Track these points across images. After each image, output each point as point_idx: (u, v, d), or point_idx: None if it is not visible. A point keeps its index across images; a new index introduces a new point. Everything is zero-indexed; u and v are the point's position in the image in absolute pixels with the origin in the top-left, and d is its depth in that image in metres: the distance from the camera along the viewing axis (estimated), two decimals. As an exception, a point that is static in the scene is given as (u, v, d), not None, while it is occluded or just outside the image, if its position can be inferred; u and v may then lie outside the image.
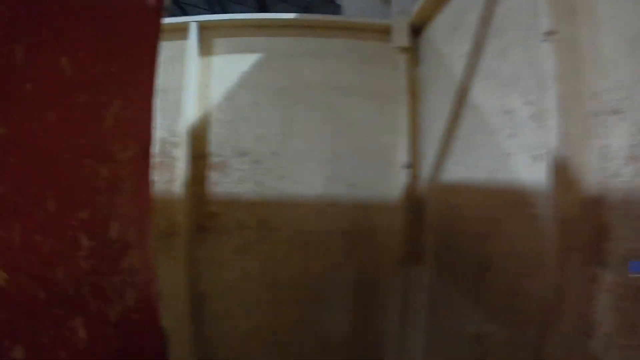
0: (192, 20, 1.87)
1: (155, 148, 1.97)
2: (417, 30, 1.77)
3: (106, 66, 0.68)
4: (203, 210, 1.85)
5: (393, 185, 1.72)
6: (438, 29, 1.62)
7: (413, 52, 1.78)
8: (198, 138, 1.85)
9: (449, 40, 1.50)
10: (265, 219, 1.77)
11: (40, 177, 0.56)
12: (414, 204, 1.69)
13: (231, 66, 1.85)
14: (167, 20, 1.94)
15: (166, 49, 2.04)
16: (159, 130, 1.95)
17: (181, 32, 1.91)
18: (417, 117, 1.72)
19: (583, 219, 0.81)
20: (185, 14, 6.42)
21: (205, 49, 1.89)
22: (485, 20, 1.23)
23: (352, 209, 1.73)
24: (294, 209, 1.75)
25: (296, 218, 1.75)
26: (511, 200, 1.10)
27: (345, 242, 1.75)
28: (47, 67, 0.55)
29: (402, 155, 1.70)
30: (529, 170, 1.00)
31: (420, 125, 1.73)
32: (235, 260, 1.83)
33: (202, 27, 1.88)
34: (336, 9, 3.72)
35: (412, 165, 1.68)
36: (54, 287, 0.59)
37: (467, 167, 1.37)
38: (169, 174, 1.89)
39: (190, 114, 1.83)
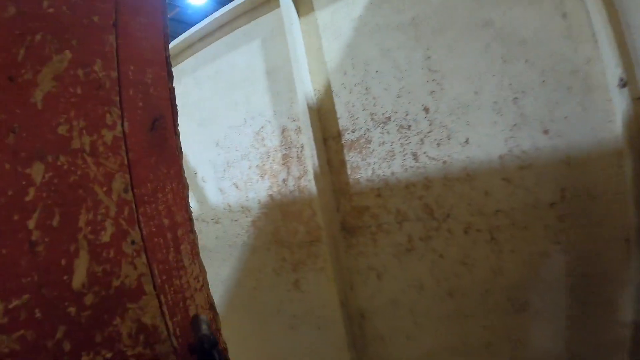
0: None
1: (276, 139, 2.56)
2: None
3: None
4: (348, 204, 2.09)
5: (606, 119, 1.64)
6: None
7: None
8: (324, 115, 2.10)
9: None
10: (431, 204, 1.89)
11: None
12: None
13: (340, 16, 2.07)
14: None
15: (261, 27, 2.32)
16: (276, 118, 2.30)
17: (270, 1, 2.26)
18: (618, 6, 1.59)
19: None
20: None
21: (304, 7, 2.18)
22: None
23: (554, 167, 1.70)
24: (470, 183, 1.82)
25: (475, 195, 1.82)
26: None
27: (551, 218, 1.72)
28: None
29: (610, 70, 1.60)
30: None
31: (626, 16, 1.59)
32: (397, 265, 2.00)
33: (292, -15, 2.12)
34: None
35: (630, 81, 1.57)
36: None
37: None
38: (299, 168, 2.21)
39: (306, 88, 2.08)
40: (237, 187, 2.59)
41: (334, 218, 2.13)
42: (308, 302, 2.34)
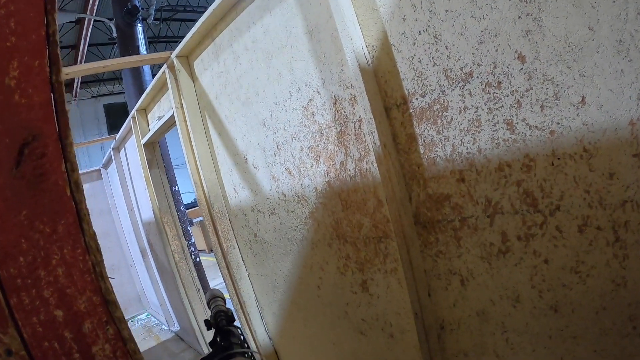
0: None
1: (327, 113, 2.15)
2: None
3: None
4: (422, 192, 1.71)
5: None
6: None
7: None
8: (383, 77, 1.71)
9: None
10: (533, 192, 1.47)
11: None
12: None
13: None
14: None
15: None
16: (325, 87, 1.89)
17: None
18: None
19: None
20: None
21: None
22: None
23: None
24: (588, 162, 1.36)
25: (595, 179, 1.35)
26: None
27: None
28: None
29: None
30: None
31: None
32: (486, 270, 1.63)
33: None
34: None
35: None
36: None
37: None
38: (358, 147, 1.85)
39: (357, 45, 1.69)
40: (290, 173, 2.30)
41: (405, 209, 1.75)
42: (378, 306, 2.03)
